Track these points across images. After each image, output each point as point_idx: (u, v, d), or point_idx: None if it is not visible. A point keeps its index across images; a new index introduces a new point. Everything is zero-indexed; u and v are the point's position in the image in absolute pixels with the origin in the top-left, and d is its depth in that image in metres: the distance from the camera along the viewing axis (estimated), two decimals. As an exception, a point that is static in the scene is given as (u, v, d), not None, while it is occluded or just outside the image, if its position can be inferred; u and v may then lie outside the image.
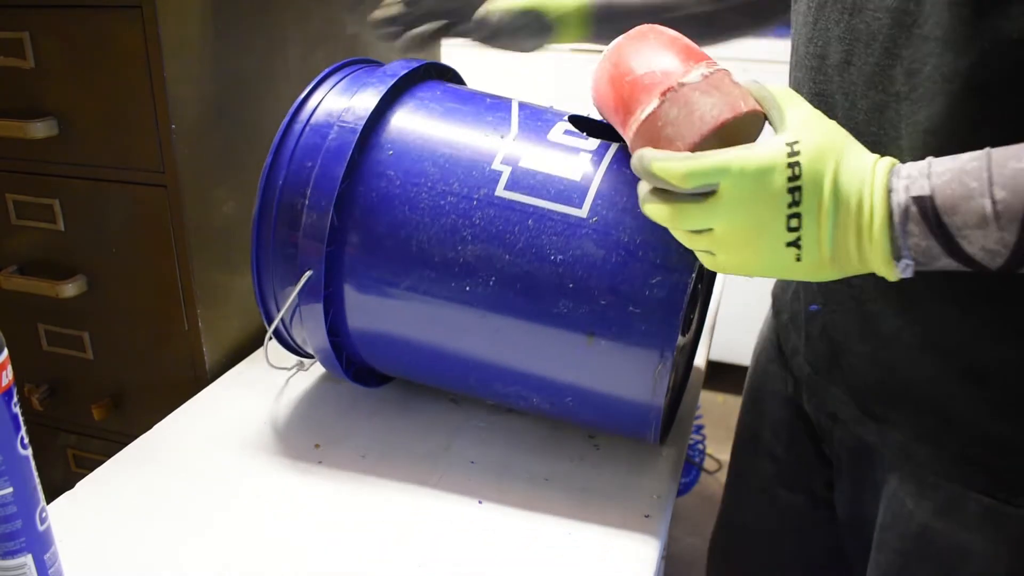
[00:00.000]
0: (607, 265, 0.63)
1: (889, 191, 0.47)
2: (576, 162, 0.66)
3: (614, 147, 0.66)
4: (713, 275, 0.81)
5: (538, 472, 0.73)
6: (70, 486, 0.70)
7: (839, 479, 0.73)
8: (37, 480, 0.53)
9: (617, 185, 0.64)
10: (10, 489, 0.50)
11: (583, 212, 0.64)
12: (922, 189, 0.46)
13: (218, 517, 0.67)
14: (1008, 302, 0.54)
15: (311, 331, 0.71)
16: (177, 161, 0.83)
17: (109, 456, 0.74)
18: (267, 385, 0.86)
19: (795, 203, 0.47)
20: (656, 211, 0.52)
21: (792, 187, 0.47)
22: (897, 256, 0.47)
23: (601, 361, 0.65)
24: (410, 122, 0.70)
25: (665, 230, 0.57)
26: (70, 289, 0.90)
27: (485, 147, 0.67)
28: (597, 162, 0.66)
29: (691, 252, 0.60)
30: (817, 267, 0.49)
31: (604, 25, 0.74)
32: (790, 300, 0.72)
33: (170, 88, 0.81)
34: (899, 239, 0.47)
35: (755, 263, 0.50)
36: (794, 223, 0.48)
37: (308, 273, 0.67)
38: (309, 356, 0.81)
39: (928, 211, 0.45)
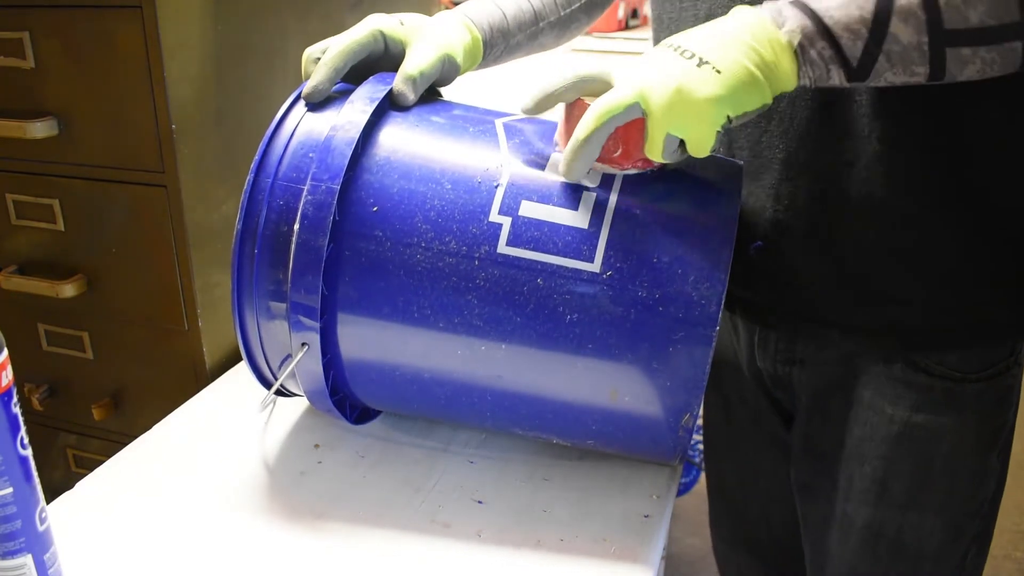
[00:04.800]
0: (626, 323, 0.59)
1: None
2: (581, 205, 0.61)
3: (618, 179, 0.62)
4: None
5: (538, 472, 0.73)
6: (70, 486, 0.70)
7: (798, 419, 0.80)
8: (37, 480, 0.53)
9: (628, 230, 0.60)
10: (10, 489, 0.50)
11: (595, 266, 0.59)
12: None
13: (218, 517, 0.67)
14: (922, 187, 0.64)
15: (311, 396, 0.68)
16: (177, 161, 0.83)
17: (109, 456, 0.74)
18: (267, 385, 0.86)
19: (683, 49, 0.57)
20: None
21: (676, 47, 0.57)
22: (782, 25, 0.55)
23: (626, 412, 0.63)
24: (391, 167, 0.63)
25: (683, 278, 0.59)
26: (70, 289, 0.90)
27: (479, 195, 0.62)
28: (604, 202, 0.61)
29: (714, 300, 0.59)
30: (735, 72, 0.55)
31: (493, 50, 0.79)
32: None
33: (170, 88, 0.81)
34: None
35: (684, 90, 0.55)
36: (688, 55, 0.56)
37: (304, 347, 0.63)
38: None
39: None
